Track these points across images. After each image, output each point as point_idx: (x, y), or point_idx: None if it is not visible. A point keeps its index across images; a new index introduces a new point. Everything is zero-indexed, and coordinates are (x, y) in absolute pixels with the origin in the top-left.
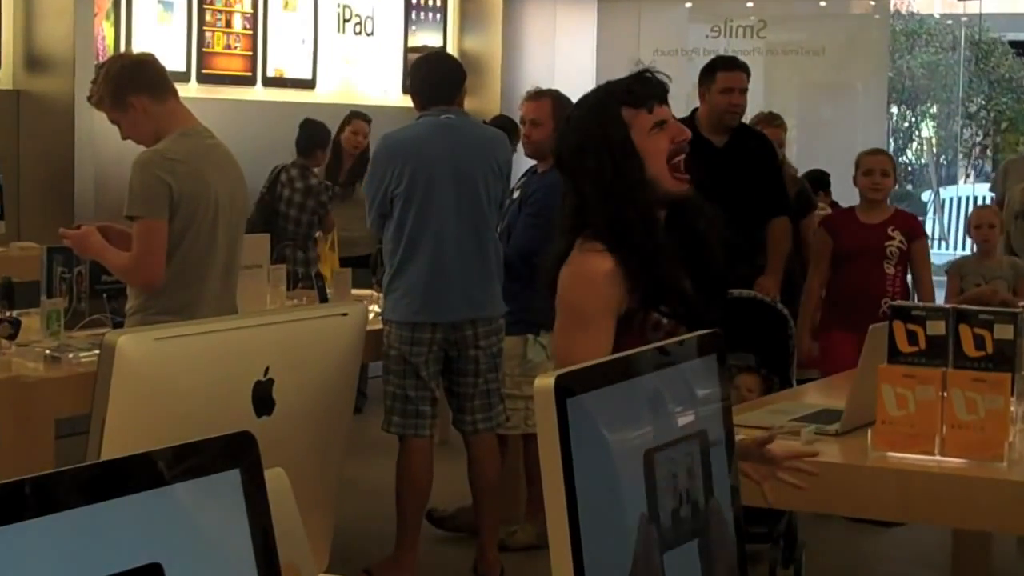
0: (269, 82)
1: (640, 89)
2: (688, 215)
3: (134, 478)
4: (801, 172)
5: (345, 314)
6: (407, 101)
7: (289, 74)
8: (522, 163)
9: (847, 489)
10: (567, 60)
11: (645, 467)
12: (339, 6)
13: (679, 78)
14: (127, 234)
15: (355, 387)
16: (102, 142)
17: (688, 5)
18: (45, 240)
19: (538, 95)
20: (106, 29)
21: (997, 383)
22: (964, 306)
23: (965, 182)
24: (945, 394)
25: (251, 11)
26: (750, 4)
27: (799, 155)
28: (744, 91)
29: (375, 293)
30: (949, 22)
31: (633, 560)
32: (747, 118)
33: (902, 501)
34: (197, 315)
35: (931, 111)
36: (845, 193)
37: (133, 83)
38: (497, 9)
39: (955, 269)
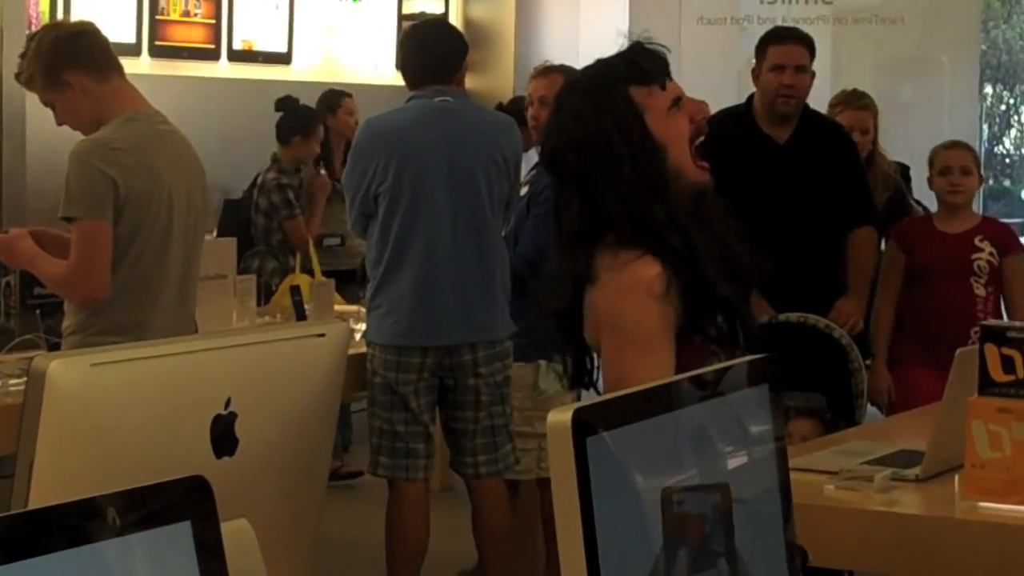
0: (236, 56)
1: (649, 62)
2: (707, 209)
3: (65, 531)
4: None
5: (323, 335)
6: (402, 80)
7: (260, 46)
8: (531, 154)
9: (930, 546)
10: (594, 31)
11: (679, 519)
12: None
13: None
14: (64, 239)
15: (335, 421)
16: (33, 129)
17: None
18: None
19: (548, 71)
20: None
21: None
22: None
23: None
24: None
25: None
26: None
27: None
28: (802, 69)
29: (363, 309)
30: None
31: None
32: (822, 99)
33: (998, 561)
34: (147, 335)
35: None
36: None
37: (70, 58)
38: None
39: None
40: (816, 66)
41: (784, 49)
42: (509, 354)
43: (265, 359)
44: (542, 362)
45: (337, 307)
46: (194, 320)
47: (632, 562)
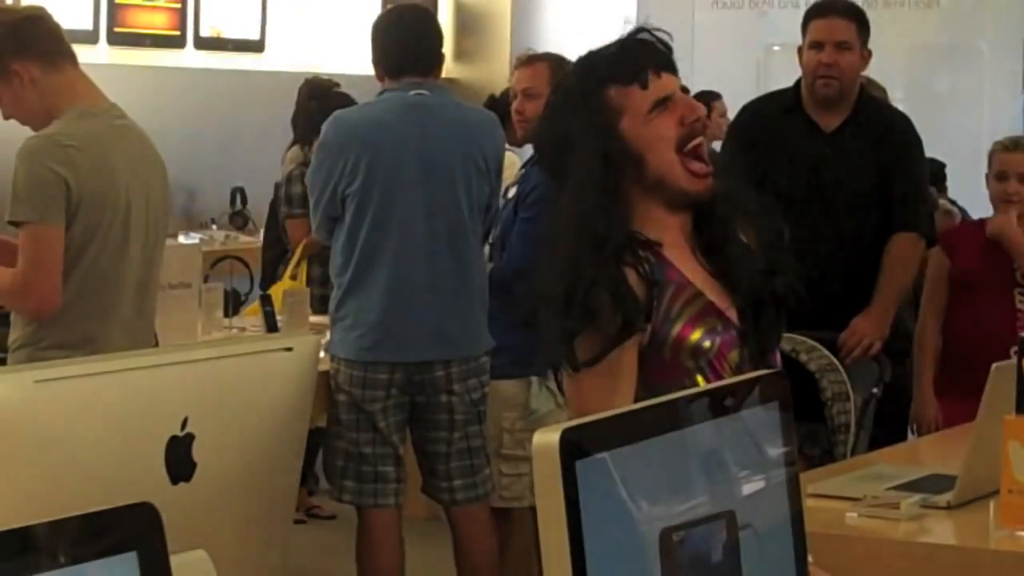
0: (203, 44)
1: (626, 58)
2: (719, 216)
3: None
4: None
5: (290, 348)
6: None
7: (229, 34)
8: (523, 152)
9: None
10: (599, 15)
11: (678, 550)
12: None
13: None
14: (11, 245)
15: (303, 443)
16: None
17: None
18: None
19: (532, 59)
20: None
21: None
22: None
23: None
24: None
25: None
26: None
27: None
28: (845, 46)
29: None
30: None
31: None
32: None
33: None
34: (103, 349)
35: None
36: (967, 191)
37: (17, 45)
38: None
39: None
40: None
41: (825, 23)
42: (486, 371)
43: (226, 375)
44: (534, 379)
45: (314, 319)
46: (153, 332)
47: None
